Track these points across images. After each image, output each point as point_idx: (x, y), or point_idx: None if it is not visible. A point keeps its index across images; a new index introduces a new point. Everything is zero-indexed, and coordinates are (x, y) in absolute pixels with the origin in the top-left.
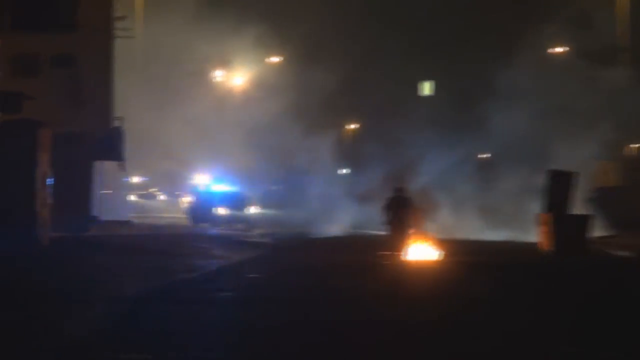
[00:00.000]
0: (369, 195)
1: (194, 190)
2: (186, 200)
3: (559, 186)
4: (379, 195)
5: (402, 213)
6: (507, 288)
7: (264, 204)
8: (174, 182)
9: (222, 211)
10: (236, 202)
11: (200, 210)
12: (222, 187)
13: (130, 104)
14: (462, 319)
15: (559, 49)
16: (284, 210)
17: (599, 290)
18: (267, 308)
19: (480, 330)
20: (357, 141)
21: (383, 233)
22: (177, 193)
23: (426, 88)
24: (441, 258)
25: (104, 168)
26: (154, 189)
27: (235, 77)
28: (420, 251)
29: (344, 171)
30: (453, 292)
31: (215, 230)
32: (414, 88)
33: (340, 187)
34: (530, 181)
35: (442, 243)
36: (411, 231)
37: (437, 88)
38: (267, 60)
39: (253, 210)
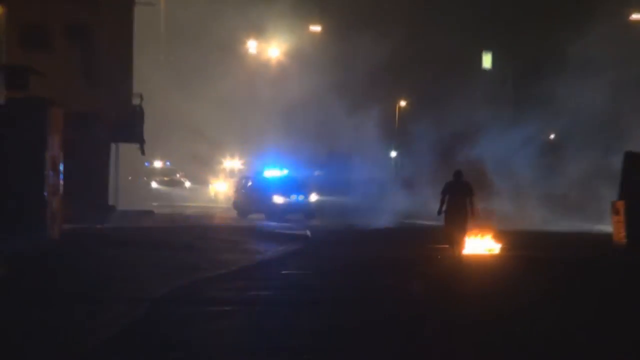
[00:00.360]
0: (419, 180)
1: (243, 177)
2: (214, 188)
3: (637, 170)
4: (431, 180)
5: (460, 201)
6: (571, 289)
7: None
8: (202, 167)
9: (278, 200)
10: (296, 188)
11: (252, 200)
12: (277, 173)
13: (151, 80)
14: (519, 331)
15: (638, 15)
16: (327, 197)
17: None
18: (304, 311)
19: (545, 344)
20: (407, 120)
21: (438, 223)
22: (205, 179)
23: (486, 61)
24: (500, 252)
25: (121, 151)
26: (179, 175)
27: (270, 49)
28: (478, 244)
29: (394, 154)
30: (509, 294)
31: (266, 223)
32: (471, 60)
33: (389, 171)
34: (604, 165)
35: (502, 235)
36: (471, 221)
37: (497, 60)
38: (306, 30)
39: (314, 197)
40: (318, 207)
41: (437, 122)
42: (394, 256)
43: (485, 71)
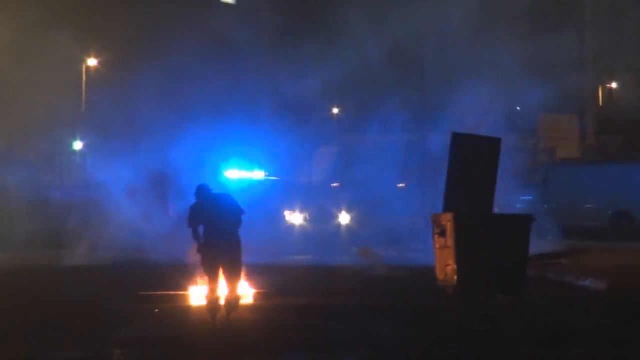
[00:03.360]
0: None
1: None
2: None
3: (470, 162)
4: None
5: (228, 225)
6: None
7: None
8: None
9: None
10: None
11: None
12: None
13: None
14: None
15: None
16: None
17: None
18: None
19: None
20: (103, 89)
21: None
22: None
23: None
24: (254, 300)
25: None
26: None
27: None
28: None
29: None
30: None
31: None
32: None
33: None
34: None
35: (263, 273)
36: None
37: None
38: None
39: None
40: None
41: (153, 91)
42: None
43: (227, 6)
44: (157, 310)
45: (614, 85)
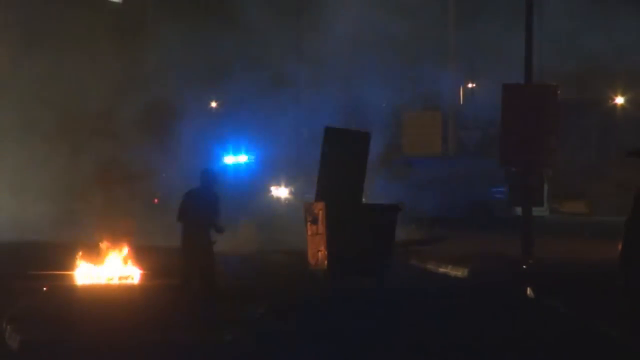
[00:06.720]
0: None
1: None
2: None
3: (341, 154)
4: None
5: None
6: None
7: None
8: None
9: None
10: None
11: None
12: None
13: None
14: None
15: None
16: None
17: None
18: None
19: None
20: None
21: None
22: None
23: None
24: (139, 280)
25: None
26: None
27: None
28: (100, 269)
29: None
30: None
31: None
32: None
33: None
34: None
35: (147, 253)
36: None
37: None
38: None
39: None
40: None
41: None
42: None
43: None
44: (45, 289)
45: (473, 85)
